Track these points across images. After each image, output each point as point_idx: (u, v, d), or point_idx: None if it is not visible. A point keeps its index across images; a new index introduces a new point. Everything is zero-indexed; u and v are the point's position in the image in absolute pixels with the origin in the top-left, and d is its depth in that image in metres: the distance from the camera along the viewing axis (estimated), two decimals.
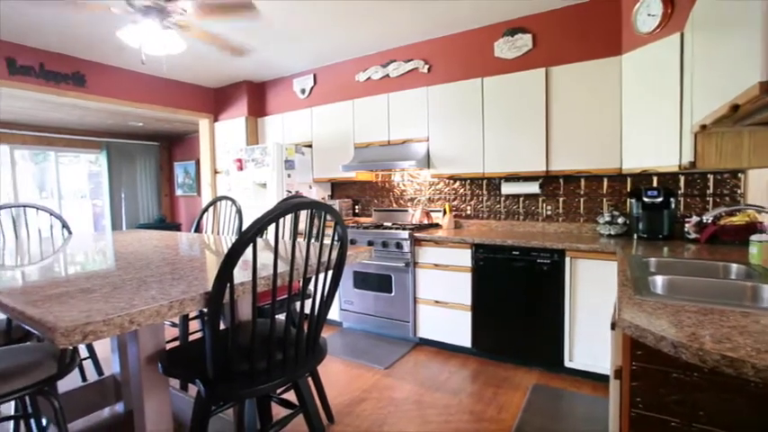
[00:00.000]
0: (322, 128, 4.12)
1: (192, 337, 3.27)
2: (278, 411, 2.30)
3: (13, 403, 2.34)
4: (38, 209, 2.60)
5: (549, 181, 3.20)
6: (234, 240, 1.15)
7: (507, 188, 3.28)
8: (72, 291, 1.12)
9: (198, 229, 2.80)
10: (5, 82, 3.42)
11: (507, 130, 3.06)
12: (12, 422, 2.32)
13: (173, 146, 7.46)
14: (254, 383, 1.16)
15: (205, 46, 3.60)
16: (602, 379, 2.56)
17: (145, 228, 6.66)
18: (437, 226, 3.62)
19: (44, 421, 1.96)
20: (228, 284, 1.02)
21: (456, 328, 3.04)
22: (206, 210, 2.71)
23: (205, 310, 1.09)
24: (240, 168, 4.12)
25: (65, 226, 2.74)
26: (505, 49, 3.23)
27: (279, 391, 2.02)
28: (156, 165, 7.21)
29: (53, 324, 0.83)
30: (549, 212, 3.23)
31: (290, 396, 2.45)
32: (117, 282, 1.21)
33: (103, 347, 3.32)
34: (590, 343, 2.55)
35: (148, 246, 2.05)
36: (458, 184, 3.65)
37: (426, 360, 3.01)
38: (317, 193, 4.29)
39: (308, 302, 3.31)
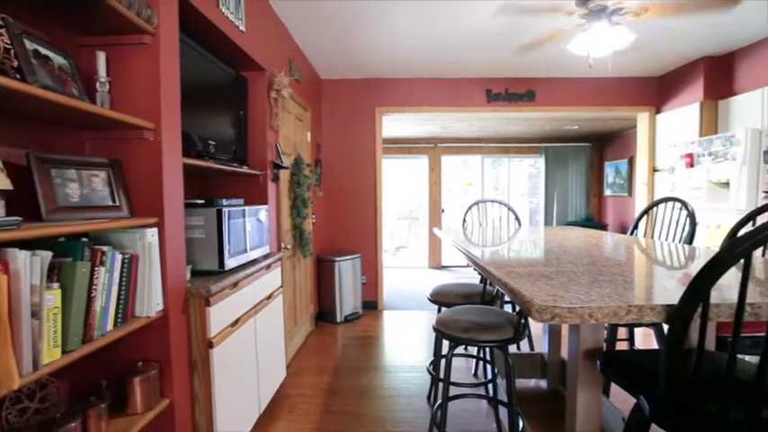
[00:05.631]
0: None
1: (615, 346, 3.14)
2: None
3: (476, 348, 3.13)
4: (500, 204, 3.29)
5: None
6: (718, 251, 0.98)
7: None
8: (535, 274, 1.32)
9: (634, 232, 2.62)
10: (485, 108, 4.55)
11: None
12: (473, 360, 3.12)
13: (603, 145, 7.39)
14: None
15: (654, 30, 3.27)
16: None
17: (572, 225, 7.04)
18: None
19: (495, 370, 2.48)
20: (702, 303, 0.86)
21: None
22: (647, 211, 2.48)
23: (664, 324, 0.98)
24: (690, 165, 3.48)
25: (516, 218, 3.33)
26: None
27: None
28: (585, 165, 7.42)
29: (530, 299, 1.01)
30: None
31: None
32: (570, 274, 1.32)
33: (535, 327, 3.80)
34: None
35: (588, 243, 2.11)
36: None
37: None
38: None
39: None
